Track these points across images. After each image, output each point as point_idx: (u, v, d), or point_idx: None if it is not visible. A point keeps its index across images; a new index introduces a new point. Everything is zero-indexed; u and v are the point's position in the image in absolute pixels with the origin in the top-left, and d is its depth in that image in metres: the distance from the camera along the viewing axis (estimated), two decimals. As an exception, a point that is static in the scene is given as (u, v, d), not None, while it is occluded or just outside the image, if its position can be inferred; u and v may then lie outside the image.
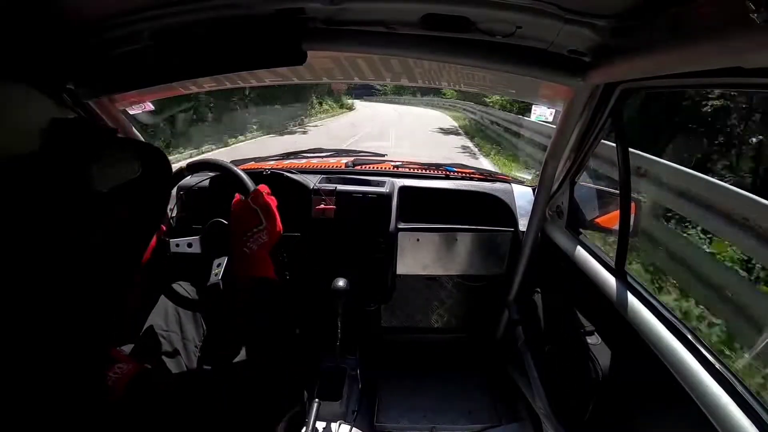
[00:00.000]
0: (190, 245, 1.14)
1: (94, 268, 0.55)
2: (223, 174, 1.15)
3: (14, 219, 0.48)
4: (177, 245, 1.14)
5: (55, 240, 0.51)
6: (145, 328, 1.13)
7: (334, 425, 1.63)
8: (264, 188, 0.99)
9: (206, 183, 1.61)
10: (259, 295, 0.87)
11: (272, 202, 0.99)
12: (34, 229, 0.49)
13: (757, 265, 2.82)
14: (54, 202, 0.50)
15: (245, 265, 0.92)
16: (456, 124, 17.20)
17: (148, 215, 0.65)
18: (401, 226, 1.77)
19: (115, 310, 0.66)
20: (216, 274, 1.07)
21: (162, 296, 1.19)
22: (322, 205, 1.72)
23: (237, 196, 1.03)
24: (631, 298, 1.08)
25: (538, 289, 1.71)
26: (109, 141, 0.60)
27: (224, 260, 1.09)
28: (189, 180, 1.53)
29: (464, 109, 18.51)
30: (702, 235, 3.29)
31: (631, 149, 1.16)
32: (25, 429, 0.48)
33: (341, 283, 1.54)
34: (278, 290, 0.89)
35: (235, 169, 1.13)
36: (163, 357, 1.10)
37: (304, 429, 1.42)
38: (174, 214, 1.63)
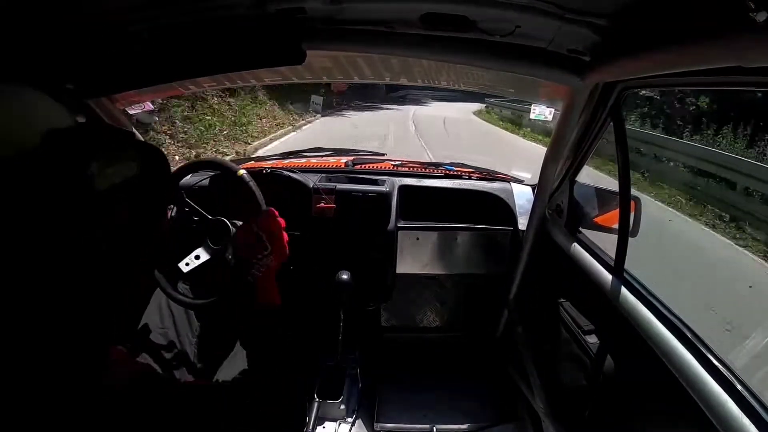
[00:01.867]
0: (198, 257, 1.15)
1: (93, 267, 0.55)
2: (222, 172, 1.15)
3: (13, 219, 0.48)
4: (187, 264, 1.14)
5: (54, 239, 0.51)
6: (141, 325, 1.14)
7: (334, 425, 1.63)
8: (273, 212, 0.99)
9: (206, 182, 1.61)
10: (263, 324, 0.87)
11: (281, 224, 0.98)
12: (33, 229, 0.49)
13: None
14: (53, 202, 0.50)
15: (251, 293, 0.92)
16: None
17: (147, 214, 0.65)
18: (401, 225, 1.77)
19: (115, 309, 0.66)
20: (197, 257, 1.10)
21: (155, 294, 1.20)
22: (322, 204, 1.72)
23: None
24: (631, 298, 1.08)
25: (538, 289, 1.71)
26: (108, 140, 0.61)
27: (203, 256, 1.12)
28: (189, 179, 1.53)
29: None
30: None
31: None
32: (23, 426, 0.48)
33: (345, 276, 1.55)
34: (282, 318, 0.89)
35: (252, 184, 1.11)
36: (160, 353, 1.11)
37: (304, 428, 1.42)
38: (174, 213, 1.63)
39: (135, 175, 0.59)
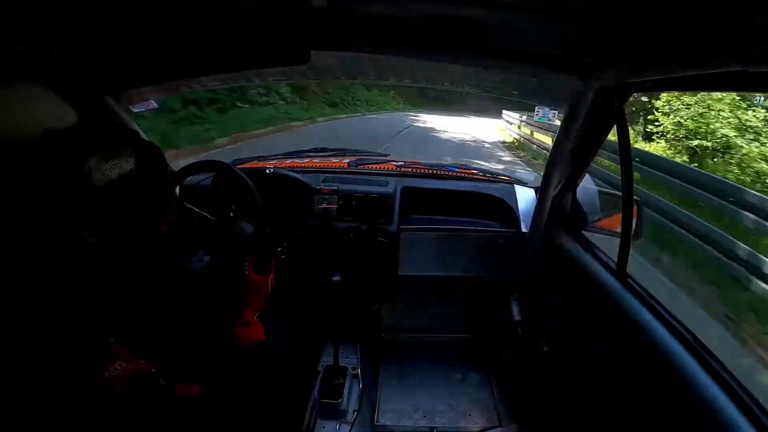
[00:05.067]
0: (201, 260, 1.16)
1: (90, 261, 0.56)
2: (224, 175, 1.16)
3: (9, 213, 0.48)
4: (195, 264, 1.16)
5: (51, 234, 0.51)
6: (138, 321, 1.14)
7: (334, 424, 1.63)
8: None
9: (208, 182, 1.61)
10: (257, 359, 0.91)
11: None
12: (29, 223, 0.50)
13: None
14: (50, 197, 0.51)
15: (248, 333, 0.98)
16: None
17: (145, 209, 0.65)
18: (403, 226, 1.77)
19: (112, 303, 0.67)
20: (200, 259, 1.12)
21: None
22: (324, 205, 1.72)
23: (251, 266, 1.07)
24: (633, 300, 1.08)
25: (540, 291, 1.71)
26: (107, 136, 0.61)
27: (206, 258, 1.13)
28: (190, 178, 1.53)
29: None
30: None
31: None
32: (24, 419, 0.48)
33: (334, 278, 1.56)
34: (272, 354, 0.94)
35: (251, 185, 1.13)
36: (156, 350, 1.11)
37: (304, 428, 1.42)
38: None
39: (132, 171, 0.59)
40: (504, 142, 12.52)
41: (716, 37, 0.60)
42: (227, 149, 7.20)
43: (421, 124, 15.32)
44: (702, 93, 7.41)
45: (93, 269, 0.57)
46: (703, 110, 7.97)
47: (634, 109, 9.91)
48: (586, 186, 1.51)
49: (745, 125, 7.58)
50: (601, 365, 1.18)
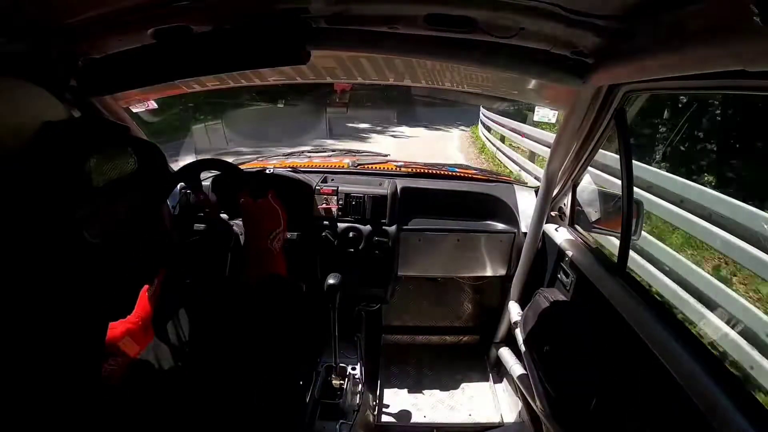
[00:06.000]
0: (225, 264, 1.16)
1: (89, 261, 0.56)
2: (226, 174, 1.16)
3: (12, 215, 0.48)
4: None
5: (51, 234, 0.51)
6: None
7: (334, 425, 1.64)
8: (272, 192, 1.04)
9: (208, 182, 1.62)
10: (277, 291, 0.89)
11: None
12: (29, 224, 0.50)
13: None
14: (50, 197, 0.51)
15: (267, 263, 0.94)
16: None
17: (146, 208, 0.65)
18: (403, 226, 1.77)
19: (111, 302, 0.67)
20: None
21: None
22: (324, 205, 1.73)
23: (245, 196, 1.03)
24: (632, 299, 1.08)
25: (540, 290, 1.71)
26: (106, 136, 0.61)
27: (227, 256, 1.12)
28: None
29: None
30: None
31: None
32: (21, 420, 0.48)
33: (331, 280, 1.56)
34: (294, 287, 0.92)
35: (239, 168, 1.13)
36: (159, 347, 1.11)
37: (304, 428, 1.43)
38: (177, 212, 1.63)
39: (132, 170, 0.60)
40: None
41: (715, 36, 0.60)
42: None
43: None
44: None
45: (93, 269, 0.57)
46: None
47: None
48: (586, 185, 1.51)
49: None
50: (601, 364, 1.18)
